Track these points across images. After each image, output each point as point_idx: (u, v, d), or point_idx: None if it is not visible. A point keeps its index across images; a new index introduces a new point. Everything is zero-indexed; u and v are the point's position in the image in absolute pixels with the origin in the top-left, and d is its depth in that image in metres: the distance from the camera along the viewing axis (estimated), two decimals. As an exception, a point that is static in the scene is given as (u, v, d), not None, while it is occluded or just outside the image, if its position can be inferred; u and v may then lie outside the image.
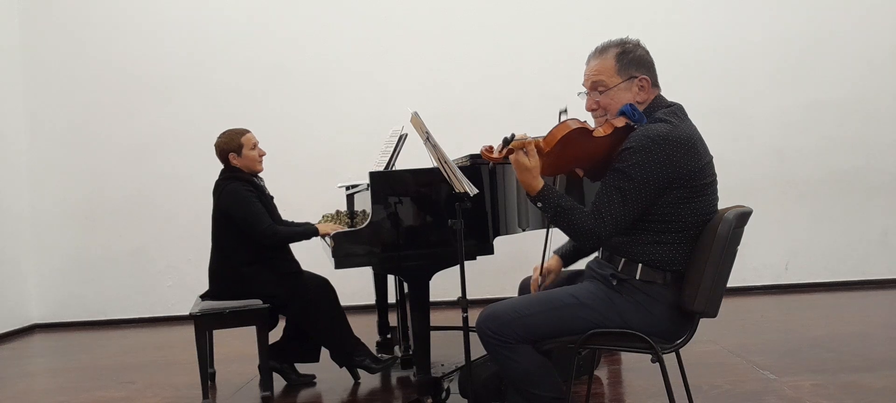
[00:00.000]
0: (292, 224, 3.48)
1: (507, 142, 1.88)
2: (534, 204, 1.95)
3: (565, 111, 2.03)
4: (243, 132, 3.39)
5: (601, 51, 2.04)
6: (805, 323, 4.30)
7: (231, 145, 3.34)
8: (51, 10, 5.75)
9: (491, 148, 1.90)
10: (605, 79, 2.01)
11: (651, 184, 1.86)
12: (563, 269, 2.39)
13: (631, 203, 1.87)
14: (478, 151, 2.06)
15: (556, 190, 1.93)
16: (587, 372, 2.77)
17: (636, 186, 1.86)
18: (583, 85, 2.08)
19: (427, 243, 2.78)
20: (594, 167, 2.01)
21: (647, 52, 2.04)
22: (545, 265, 2.38)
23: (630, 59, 2.00)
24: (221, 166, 3.42)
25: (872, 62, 5.45)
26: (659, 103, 2.02)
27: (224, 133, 3.40)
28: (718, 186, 2.02)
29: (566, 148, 1.89)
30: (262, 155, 3.42)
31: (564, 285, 2.13)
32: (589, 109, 2.07)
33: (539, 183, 1.91)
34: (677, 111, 1.98)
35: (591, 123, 2.00)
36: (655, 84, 2.03)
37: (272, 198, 3.47)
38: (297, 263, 3.43)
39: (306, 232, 3.29)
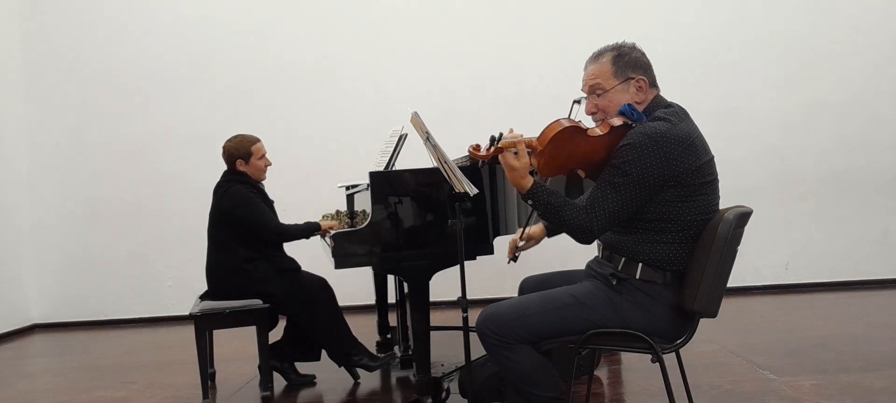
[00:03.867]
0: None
1: (494, 140, 1.88)
2: (525, 202, 1.97)
3: (579, 101, 2.05)
4: (254, 140, 3.40)
5: (597, 55, 2.06)
6: (805, 323, 4.30)
7: (240, 151, 3.36)
8: (50, 12, 5.75)
9: (478, 146, 1.90)
10: (602, 82, 2.02)
11: (646, 180, 1.86)
12: (545, 237, 2.57)
13: (625, 199, 1.87)
14: None
15: (547, 187, 1.94)
16: (587, 372, 2.77)
17: (631, 182, 1.86)
18: (581, 90, 2.09)
19: (427, 243, 2.78)
20: (595, 168, 2.00)
21: (644, 54, 2.05)
22: (527, 230, 2.48)
23: (626, 62, 2.01)
24: (222, 167, 3.44)
25: (873, 62, 5.44)
26: (658, 103, 2.03)
27: (235, 137, 3.40)
28: (719, 186, 2.02)
29: (559, 146, 1.88)
30: (267, 165, 3.46)
31: (564, 285, 2.13)
32: (589, 113, 2.08)
33: (528, 182, 1.93)
34: (678, 111, 1.98)
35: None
36: (653, 84, 2.04)
37: (273, 202, 3.51)
38: (295, 261, 3.45)
39: (310, 228, 3.35)
